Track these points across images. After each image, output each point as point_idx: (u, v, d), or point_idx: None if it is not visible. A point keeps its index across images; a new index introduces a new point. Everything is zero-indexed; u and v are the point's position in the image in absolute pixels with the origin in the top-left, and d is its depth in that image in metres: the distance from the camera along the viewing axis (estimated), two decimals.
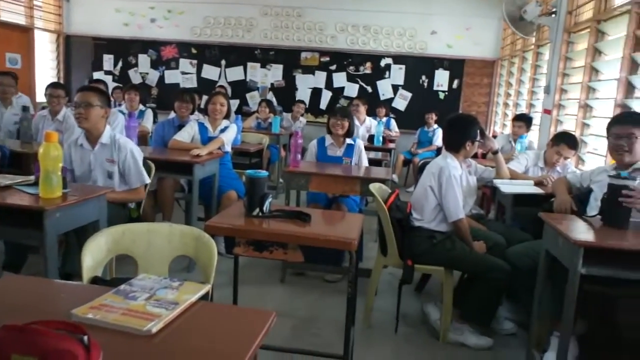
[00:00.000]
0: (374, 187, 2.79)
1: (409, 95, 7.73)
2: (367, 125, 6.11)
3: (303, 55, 7.82)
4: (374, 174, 3.41)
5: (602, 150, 3.69)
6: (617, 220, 2.12)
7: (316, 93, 7.87)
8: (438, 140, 6.60)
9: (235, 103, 7.74)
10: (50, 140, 2.04)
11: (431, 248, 2.63)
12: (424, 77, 7.69)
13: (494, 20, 7.31)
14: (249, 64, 7.92)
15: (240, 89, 7.96)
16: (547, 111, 4.74)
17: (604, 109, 3.84)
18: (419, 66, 7.65)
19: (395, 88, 7.75)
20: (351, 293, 2.00)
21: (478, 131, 2.79)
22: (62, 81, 7.83)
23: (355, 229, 1.99)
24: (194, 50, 7.96)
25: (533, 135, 5.05)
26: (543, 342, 2.36)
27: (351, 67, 7.77)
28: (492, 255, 2.61)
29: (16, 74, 4.68)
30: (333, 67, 7.79)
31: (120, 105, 5.82)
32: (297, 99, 7.66)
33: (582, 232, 2.07)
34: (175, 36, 7.94)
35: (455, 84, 7.65)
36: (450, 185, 2.63)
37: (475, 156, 3.75)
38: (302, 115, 7.18)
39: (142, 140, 4.79)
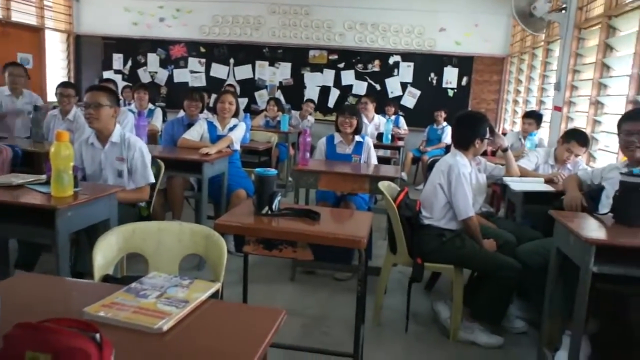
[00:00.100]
0: (383, 185, 2.78)
1: (417, 92, 7.70)
2: (375, 123, 6.10)
3: (311, 53, 7.81)
4: (383, 172, 3.41)
5: (613, 147, 3.66)
6: (629, 217, 2.10)
7: (324, 91, 7.86)
8: (447, 137, 6.57)
9: (243, 101, 7.76)
10: (61, 139, 2.05)
11: (440, 246, 2.62)
12: (432, 75, 7.66)
13: (503, 17, 7.26)
14: (258, 63, 7.93)
15: (249, 87, 7.97)
16: (557, 108, 4.70)
17: (615, 106, 3.80)
18: (428, 63, 7.62)
19: (404, 86, 7.72)
20: (361, 291, 2.00)
21: (487, 129, 2.78)
22: (72, 80, 7.90)
23: (364, 227, 1.99)
24: (202, 49, 7.99)
25: (543, 133, 5.01)
26: (555, 341, 2.35)
27: (359, 65, 7.75)
28: (502, 254, 2.60)
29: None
30: (341, 65, 7.78)
31: (129, 104, 5.86)
32: (305, 97, 7.67)
33: (593, 230, 2.06)
34: (184, 35, 7.97)
35: (464, 81, 7.60)
36: (460, 183, 2.62)
37: (484, 154, 3.72)
38: (310, 114, 7.18)
39: (152, 139, 4.82)
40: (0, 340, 0.90)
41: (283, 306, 1.34)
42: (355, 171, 3.42)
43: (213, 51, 7.96)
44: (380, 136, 5.69)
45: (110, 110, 2.76)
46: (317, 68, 7.83)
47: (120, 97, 6.46)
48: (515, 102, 6.85)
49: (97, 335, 0.90)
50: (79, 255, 2.42)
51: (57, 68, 7.96)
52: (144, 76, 8.11)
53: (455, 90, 7.64)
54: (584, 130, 3.70)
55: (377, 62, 7.72)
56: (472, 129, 2.75)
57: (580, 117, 4.39)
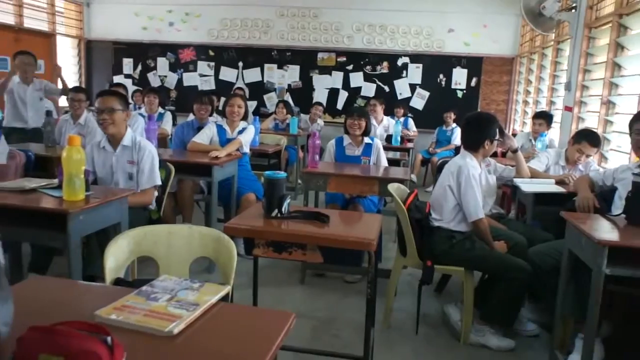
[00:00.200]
0: (392, 187, 2.77)
1: (426, 94, 7.68)
2: (384, 124, 6.09)
3: (320, 55, 7.83)
4: (392, 174, 3.40)
5: (625, 148, 3.62)
6: None
7: (333, 93, 7.87)
8: (456, 139, 6.55)
9: (253, 104, 7.79)
10: (73, 144, 2.07)
11: (450, 248, 2.60)
12: (441, 76, 7.64)
13: (512, 17, 7.22)
14: (266, 66, 7.96)
15: (258, 90, 8.00)
16: (568, 108, 4.66)
17: (627, 105, 3.76)
18: (437, 65, 7.59)
19: (412, 87, 7.70)
20: (370, 294, 1.99)
21: (497, 130, 2.76)
22: (83, 85, 7.98)
23: (374, 230, 1.99)
24: (211, 53, 8.03)
25: (554, 133, 4.98)
26: (567, 344, 2.33)
27: (368, 67, 7.75)
28: (513, 255, 2.58)
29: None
30: (350, 67, 7.78)
31: (139, 108, 5.90)
32: (314, 99, 7.67)
33: (606, 231, 2.04)
34: (193, 39, 8.02)
35: (473, 82, 7.57)
36: (470, 184, 2.60)
37: (494, 155, 3.71)
38: (319, 117, 7.19)
39: (162, 142, 4.85)
40: (14, 343, 0.91)
41: (293, 309, 1.34)
42: (365, 173, 3.41)
43: (222, 55, 8.00)
44: (389, 138, 5.68)
45: (122, 114, 2.80)
46: (326, 70, 7.84)
47: (131, 101, 6.51)
48: (525, 102, 6.81)
49: (109, 338, 0.91)
50: (89, 260, 2.44)
51: (68, 73, 8.03)
52: (153, 80, 8.18)
53: (465, 91, 7.61)
54: (595, 130, 3.67)
55: (385, 63, 7.71)
56: (481, 130, 2.73)
57: (591, 117, 4.35)
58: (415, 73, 7.67)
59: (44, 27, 7.37)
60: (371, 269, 1.95)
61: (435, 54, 7.56)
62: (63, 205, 2.08)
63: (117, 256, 1.61)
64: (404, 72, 7.69)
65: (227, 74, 8.03)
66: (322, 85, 7.87)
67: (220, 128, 3.93)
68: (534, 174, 3.26)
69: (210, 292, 1.27)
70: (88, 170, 2.27)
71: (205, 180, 3.62)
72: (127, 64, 8.26)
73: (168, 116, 5.60)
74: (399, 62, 7.67)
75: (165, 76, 8.19)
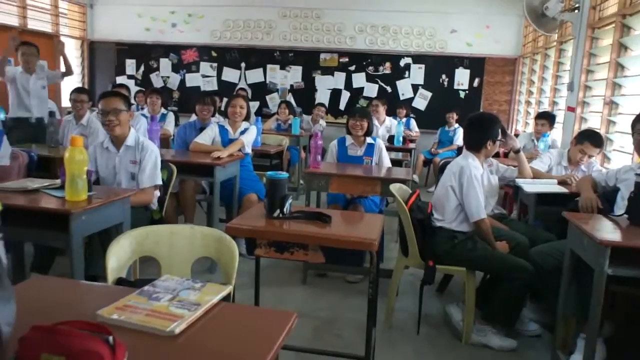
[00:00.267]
0: (394, 187, 2.77)
1: (429, 94, 7.67)
2: (387, 125, 6.09)
3: (322, 56, 7.83)
4: (394, 174, 3.40)
5: (628, 148, 3.61)
6: None
7: (335, 94, 7.86)
8: (459, 139, 6.54)
9: (255, 105, 7.79)
10: (76, 144, 2.08)
11: (452, 248, 2.60)
12: (444, 76, 7.63)
13: (515, 18, 7.21)
14: (269, 66, 7.96)
15: (260, 91, 8.01)
16: (570, 109, 4.65)
17: (630, 106, 3.75)
18: (439, 65, 7.59)
19: (415, 88, 7.70)
20: (372, 294, 1.99)
21: (499, 130, 2.76)
22: (86, 86, 8.01)
23: (375, 230, 1.99)
24: (214, 54, 8.04)
25: (556, 134, 4.97)
26: (569, 344, 2.32)
27: (370, 68, 7.75)
28: (515, 256, 2.58)
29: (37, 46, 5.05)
30: (352, 68, 7.78)
31: (142, 108, 5.92)
32: (316, 100, 7.67)
33: (608, 231, 2.03)
34: (196, 40, 8.03)
35: (476, 83, 7.56)
36: (472, 185, 2.60)
37: (497, 155, 3.70)
38: (322, 118, 7.19)
39: (164, 143, 4.86)
40: (16, 342, 0.91)
41: (294, 309, 1.34)
42: (367, 174, 3.41)
43: (224, 55, 8.01)
44: (391, 139, 5.67)
45: (126, 114, 2.81)
46: (328, 71, 7.84)
47: (133, 101, 6.53)
48: (528, 103, 6.80)
49: (110, 338, 0.92)
50: (91, 260, 2.45)
51: None
52: (156, 81, 8.19)
53: (467, 92, 7.60)
54: (597, 130, 3.66)
55: (388, 64, 7.71)
56: (483, 131, 2.73)
57: (594, 118, 4.34)
58: (417, 74, 7.66)
59: (47, 28, 7.39)
60: (373, 269, 1.95)
61: (438, 55, 7.56)
62: (65, 206, 2.09)
63: (119, 256, 1.61)
64: (407, 72, 7.68)
65: (230, 74, 8.04)
66: (324, 85, 7.87)
67: (222, 128, 3.94)
68: (537, 175, 3.26)
69: (211, 292, 1.28)
70: (90, 170, 2.28)
71: (208, 180, 3.63)
72: (130, 64, 8.27)
73: (170, 117, 5.61)
74: (402, 63, 7.67)
75: (168, 77, 8.20)
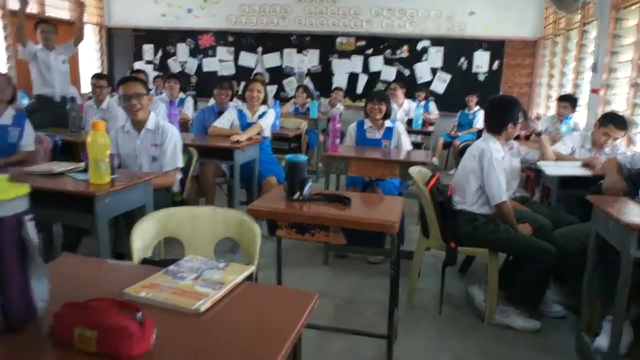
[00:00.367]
0: (413, 170, 2.76)
1: (448, 77, 7.56)
2: (405, 108, 6.04)
3: (339, 40, 7.75)
4: (413, 157, 3.38)
5: None
6: None
7: (353, 77, 7.80)
8: (479, 122, 6.46)
9: (272, 89, 7.78)
10: (98, 129, 2.11)
11: (474, 230, 2.59)
12: (462, 59, 7.51)
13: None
14: (285, 51, 7.92)
15: (278, 75, 7.98)
16: (594, 91, 4.55)
17: None
18: (458, 48, 7.46)
19: (433, 71, 7.59)
20: (394, 274, 2.00)
21: (520, 113, 2.72)
22: (105, 72, 8.07)
23: (396, 212, 1.98)
24: (230, 38, 8.02)
25: (578, 116, 4.87)
26: (594, 326, 2.30)
27: (388, 51, 7.66)
28: (537, 238, 2.55)
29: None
30: (369, 52, 7.70)
31: (160, 93, 5.95)
32: (333, 84, 7.63)
33: (634, 214, 2.00)
34: (212, 25, 8.01)
35: (495, 65, 7.43)
36: (492, 167, 2.57)
37: (517, 138, 3.64)
38: (340, 101, 7.15)
39: (184, 127, 4.90)
40: (51, 317, 0.94)
41: (316, 289, 1.35)
42: (385, 157, 3.40)
43: (241, 40, 7.99)
44: (410, 122, 5.63)
45: (147, 98, 2.85)
46: (345, 55, 7.77)
47: (152, 86, 6.57)
48: (549, 85, 6.66)
49: (139, 314, 0.94)
50: (118, 238, 2.50)
51: (90, 60, 8.13)
52: (174, 66, 8.22)
53: (487, 75, 7.47)
54: (622, 113, 3.58)
55: (405, 47, 7.60)
56: (504, 113, 2.69)
57: (619, 100, 4.24)
58: (435, 57, 7.55)
59: (65, 15, 7.44)
60: (394, 250, 1.95)
61: (456, 38, 7.42)
62: (90, 188, 2.12)
63: (143, 237, 1.64)
64: (425, 55, 7.58)
65: (247, 59, 8.03)
66: (341, 69, 7.81)
67: (240, 112, 3.95)
68: (559, 157, 3.21)
69: (235, 271, 1.29)
70: (113, 154, 2.31)
71: (227, 163, 3.65)
72: (148, 50, 8.31)
73: (189, 101, 5.64)
74: (419, 46, 7.56)
75: (186, 62, 8.22)
